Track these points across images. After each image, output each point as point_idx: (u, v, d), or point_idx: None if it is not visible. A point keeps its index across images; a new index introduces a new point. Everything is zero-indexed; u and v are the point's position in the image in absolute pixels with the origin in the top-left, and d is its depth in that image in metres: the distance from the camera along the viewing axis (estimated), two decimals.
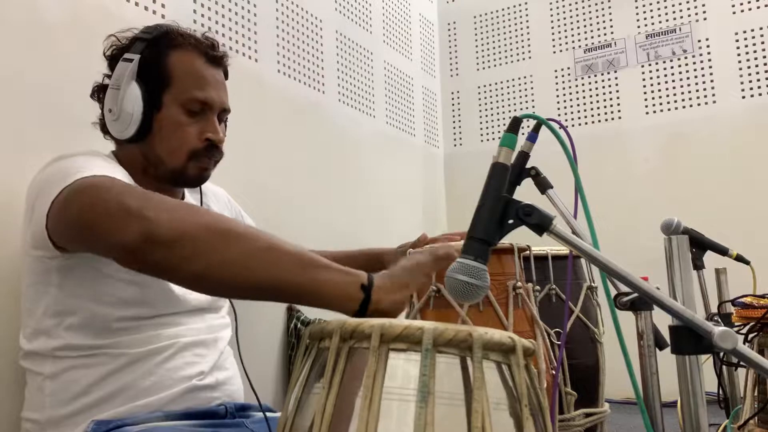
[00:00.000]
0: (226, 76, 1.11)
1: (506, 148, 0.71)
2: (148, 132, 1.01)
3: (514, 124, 0.73)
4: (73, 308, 0.93)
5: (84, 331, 0.94)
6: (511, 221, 0.69)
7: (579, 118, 2.76)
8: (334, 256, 1.42)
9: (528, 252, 1.28)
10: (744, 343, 1.08)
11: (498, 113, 2.95)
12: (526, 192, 1.05)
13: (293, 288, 0.72)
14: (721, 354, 1.18)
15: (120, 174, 0.93)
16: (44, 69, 1.26)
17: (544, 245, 1.35)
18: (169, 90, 1.02)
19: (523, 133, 0.84)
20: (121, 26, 1.12)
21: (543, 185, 1.14)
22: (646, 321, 0.97)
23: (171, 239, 0.71)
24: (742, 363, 0.67)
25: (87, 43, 1.34)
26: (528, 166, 1.15)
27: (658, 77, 2.61)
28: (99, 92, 1.07)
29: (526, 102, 2.88)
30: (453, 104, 3.06)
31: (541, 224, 0.68)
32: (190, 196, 1.17)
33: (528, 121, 0.89)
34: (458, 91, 3.06)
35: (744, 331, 1.08)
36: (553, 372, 1.12)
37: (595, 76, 2.74)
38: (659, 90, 2.60)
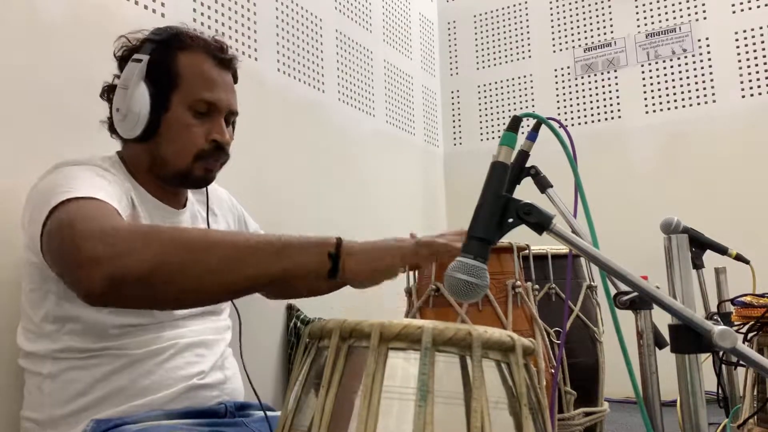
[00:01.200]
0: (235, 80, 1.11)
1: (506, 147, 0.71)
2: (154, 132, 1.01)
3: (514, 123, 0.73)
4: (73, 315, 0.93)
5: (85, 336, 0.94)
6: (510, 220, 0.69)
7: (579, 117, 2.76)
8: None
9: (527, 251, 1.28)
10: (743, 343, 1.08)
11: (498, 112, 2.95)
12: (525, 191, 1.05)
13: (267, 278, 0.76)
14: (721, 353, 1.18)
15: (114, 188, 0.93)
16: (43, 68, 1.26)
17: (544, 244, 1.36)
18: (177, 91, 1.02)
19: (522, 132, 0.84)
20: (121, 26, 1.11)
21: (543, 184, 1.14)
22: (645, 320, 0.97)
23: (137, 275, 0.72)
24: (741, 362, 0.67)
25: (87, 42, 1.34)
26: (528, 165, 1.15)
27: (657, 76, 2.61)
28: (108, 92, 1.07)
29: (526, 101, 2.88)
30: (453, 103, 3.06)
31: (540, 223, 0.68)
32: (194, 198, 1.16)
33: (528, 120, 0.89)
34: (458, 90, 3.06)
35: (744, 330, 1.08)
36: (552, 371, 1.12)
37: (595, 75, 2.74)
38: (659, 89, 2.60)
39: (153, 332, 0.97)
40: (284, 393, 1.78)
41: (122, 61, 1.05)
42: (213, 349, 1.04)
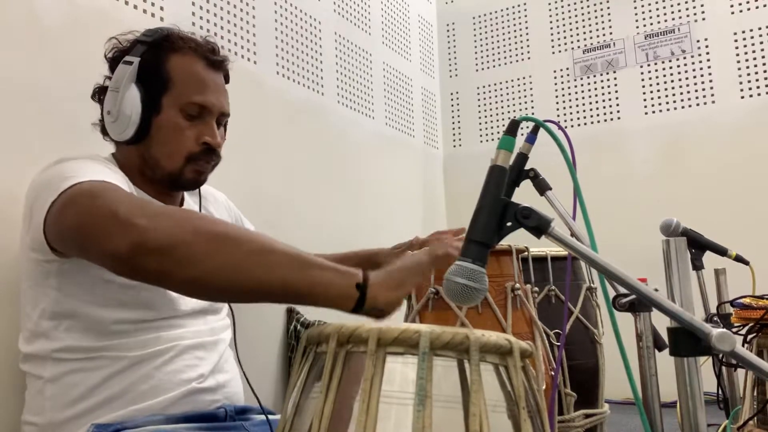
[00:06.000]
0: (227, 80, 1.11)
1: (504, 151, 0.72)
2: (146, 135, 1.01)
3: (512, 127, 0.73)
4: (72, 311, 0.93)
5: (83, 333, 0.94)
6: (509, 224, 0.70)
7: (578, 118, 2.76)
8: (326, 258, 1.42)
9: (526, 253, 1.29)
10: (743, 344, 1.08)
11: (497, 114, 2.95)
12: (525, 193, 1.05)
13: (289, 289, 0.73)
14: (720, 355, 1.18)
15: (117, 178, 0.93)
16: (43, 72, 1.26)
17: (543, 246, 1.35)
18: (169, 93, 1.02)
19: (522, 134, 0.84)
20: (120, 29, 1.12)
21: (542, 187, 1.14)
22: (645, 322, 0.97)
23: (162, 246, 0.71)
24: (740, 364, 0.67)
25: (86, 46, 1.34)
26: (527, 167, 1.15)
27: (657, 77, 2.61)
28: (100, 94, 1.07)
29: (525, 103, 2.88)
30: (452, 105, 3.07)
31: (539, 227, 0.68)
32: (190, 199, 1.17)
33: (527, 122, 0.89)
34: (457, 92, 3.06)
35: (743, 332, 1.08)
36: (552, 373, 1.12)
37: (594, 76, 2.74)
38: (658, 90, 2.60)
39: (152, 332, 0.97)
40: (284, 395, 1.77)
41: (113, 62, 1.05)
42: (212, 352, 1.04)
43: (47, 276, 0.93)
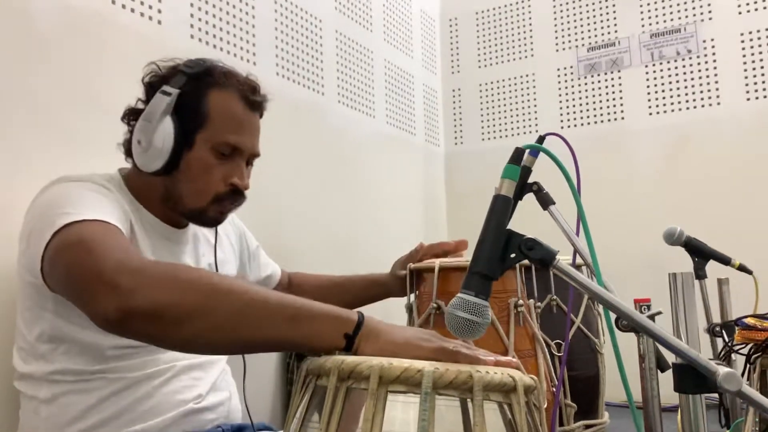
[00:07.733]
0: (261, 116, 1.10)
1: (508, 180, 0.70)
2: (174, 168, 1.00)
3: (516, 155, 0.72)
4: (69, 335, 0.93)
5: (80, 356, 0.93)
6: (513, 255, 0.68)
7: (581, 118, 2.73)
8: (331, 281, 1.40)
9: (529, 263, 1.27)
10: (745, 364, 1.07)
11: (499, 111, 2.92)
12: (527, 203, 1.04)
13: (279, 343, 0.75)
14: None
15: (114, 208, 0.92)
16: (37, 78, 1.24)
17: None
18: (203, 130, 1.00)
19: (527, 130, 0.82)
20: (116, 33, 1.09)
21: (545, 201, 1.12)
22: (647, 343, 0.96)
23: (150, 311, 0.70)
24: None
25: (82, 51, 1.32)
26: (531, 180, 1.13)
27: (662, 77, 2.58)
28: (130, 116, 1.04)
29: (528, 101, 2.85)
30: (454, 102, 3.04)
31: (543, 259, 0.67)
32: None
33: (530, 131, 0.87)
34: (459, 89, 3.03)
35: (745, 351, 1.07)
36: (554, 390, 1.11)
37: (599, 75, 2.71)
38: (663, 90, 2.57)
39: (149, 354, 0.96)
40: (282, 409, 1.77)
41: (149, 87, 1.02)
42: (210, 371, 1.04)
43: (44, 300, 0.92)
